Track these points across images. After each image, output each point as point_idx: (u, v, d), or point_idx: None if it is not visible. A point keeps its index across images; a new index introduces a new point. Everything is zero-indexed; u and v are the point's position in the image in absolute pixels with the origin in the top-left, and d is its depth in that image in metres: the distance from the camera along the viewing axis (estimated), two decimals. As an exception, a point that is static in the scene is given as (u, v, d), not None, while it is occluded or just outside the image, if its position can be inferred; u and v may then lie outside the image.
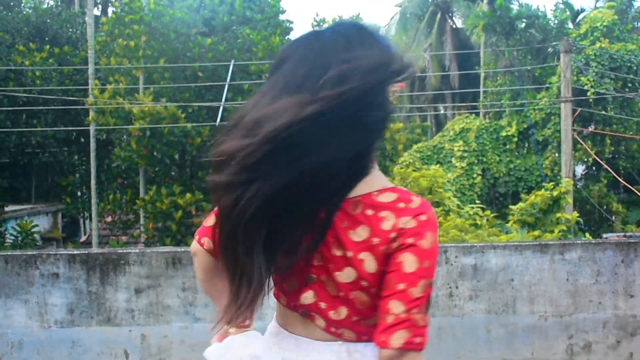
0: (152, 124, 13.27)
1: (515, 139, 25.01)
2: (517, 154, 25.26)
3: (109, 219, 16.21)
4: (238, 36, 15.14)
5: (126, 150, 13.80)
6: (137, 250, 5.54)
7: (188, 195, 13.00)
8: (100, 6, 26.99)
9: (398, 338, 1.60)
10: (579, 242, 5.93)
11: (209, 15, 15.13)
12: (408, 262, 1.61)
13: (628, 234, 16.35)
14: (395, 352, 1.61)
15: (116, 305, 5.42)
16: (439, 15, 33.74)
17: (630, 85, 23.15)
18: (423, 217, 1.63)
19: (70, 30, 19.51)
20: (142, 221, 14.49)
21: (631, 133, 23.67)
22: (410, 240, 1.61)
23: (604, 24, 24.01)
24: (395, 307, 1.61)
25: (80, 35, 19.13)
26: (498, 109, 26.51)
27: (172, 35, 14.16)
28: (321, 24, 15.72)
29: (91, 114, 14.72)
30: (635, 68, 23.09)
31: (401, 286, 1.61)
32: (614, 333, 5.77)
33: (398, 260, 1.62)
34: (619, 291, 5.78)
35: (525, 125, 24.78)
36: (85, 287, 5.41)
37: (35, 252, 5.52)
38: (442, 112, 37.25)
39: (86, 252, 5.54)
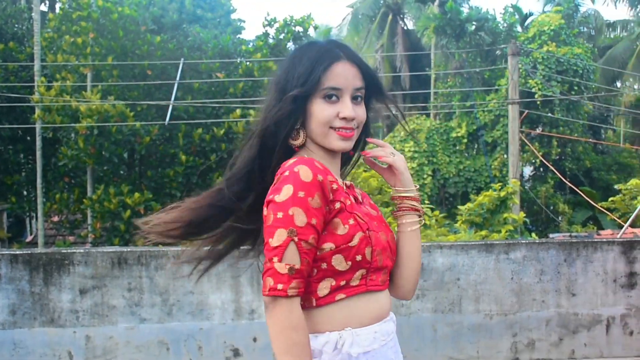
0: (100, 122, 13.09)
1: (465, 140, 25.30)
2: (466, 155, 25.56)
3: (55, 218, 15.93)
4: (188, 34, 15.02)
5: (73, 148, 13.56)
6: (82, 251, 5.46)
7: (137, 194, 12.84)
8: (47, 2, 26.51)
9: (265, 286, 1.79)
10: (524, 242, 6.03)
11: (158, 13, 14.97)
12: (267, 216, 1.82)
13: (573, 234, 16.68)
14: (267, 299, 1.79)
15: (60, 306, 5.34)
16: (390, 17, 33.97)
17: (576, 88, 23.62)
18: (286, 173, 1.83)
19: (16, 26, 19.10)
20: (89, 221, 14.27)
21: (577, 135, 24.16)
22: (270, 197, 1.84)
23: (551, 28, 24.46)
24: (264, 258, 1.83)
25: (26, 31, 18.74)
26: (448, 111, 26.80)
27: (120, 32, 13.98)
28: (272, 23, 15.68)
29: (37, 111, 14.45)
30: (581, 71, 23.57)
31: (266, 239, 1.81)
32: (556, 331, 5.89)
33: (264, 215, 1.85)
34: (562, 290, 5.89)
35: (474, 127, 25.09)
36: (28, 288, 5.31)
37: (-25, 252, 5.40)
38: (393, 112, 37.42)
39: (29, 252, 5.44)
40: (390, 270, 2.02)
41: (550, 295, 5.88)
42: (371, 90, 2.06)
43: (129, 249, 5.51)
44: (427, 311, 5.70)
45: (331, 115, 1.92)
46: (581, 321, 5.90)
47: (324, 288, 1.85)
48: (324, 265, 1.83)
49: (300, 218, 1.78)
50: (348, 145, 1.97)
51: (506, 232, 11.13)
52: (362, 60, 2.01)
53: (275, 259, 1.77)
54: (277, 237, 1.78)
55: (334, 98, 1.92)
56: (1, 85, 15.89)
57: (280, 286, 1.76)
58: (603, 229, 19.93)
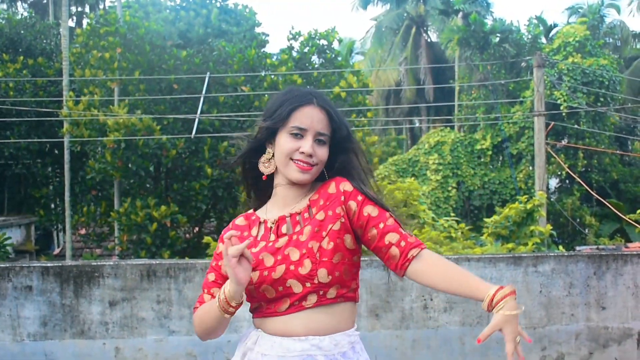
0: (127, 136, 13.21)
1: (490, 152, 25.20)
2: (491, 167, 25.43)
3: (82, 231, 16.08)
4: (214, 49, 15.14)
5: (101, 162, 13.71)
6: (112, 263, 5.51)
7: (163, 207, 12.93)
8: (74, 18, 26.86)
9: None
10: (552, 254, 5.99)
11: (184, 28, 15.12)
12: None
13: (601, 246, 16.50)
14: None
15: (90, 318, 5.38)
16: (414, 29, 33.97)
17: (602, 99, 23.44)
18: None
19: (45, 41, 19.38)
20: (116, 234, 14.38)
21: (603, 147, 23.95)
22: None
23: (576, 39, 24.31)
24: None
25: (55, 46, 19.01)
26: (473, 123, 26.71)
27: (147, 47, 14.12)
28: (297, 37, 15.76)
29: (65, 125, 14.63)
30: (607, 83, 23.38)
31: None
32: (586, 344, 5.83)
33: None
34: (591, 303, 5.84)
35: (499, 139, 24.98)
36: (58, 300, 5.36)
37: (8, 265, 5.46)
38: (417, 125, 37.47)
39: (60, 264, 5.49)
40: (305, 296, 2.20)
41: (580, 309, 5.82)
42: (340, 139, 2.32)
43: (157, 262, 5.55)
44: (454, 324, 5.68)
45: (292, 148, 2.24)
46: (611, 335, 5.85)
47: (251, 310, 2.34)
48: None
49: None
50: (305, 177, 2.25)
51: (533, 244, 11.05)
52: (334, 110, 2.30)
53: None
54: None
55: (298, 136, 2.24)
56: (30, 100, 16.11)
57: None
58: (631, 241, 19.71)
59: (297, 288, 2.18)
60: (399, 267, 2.21)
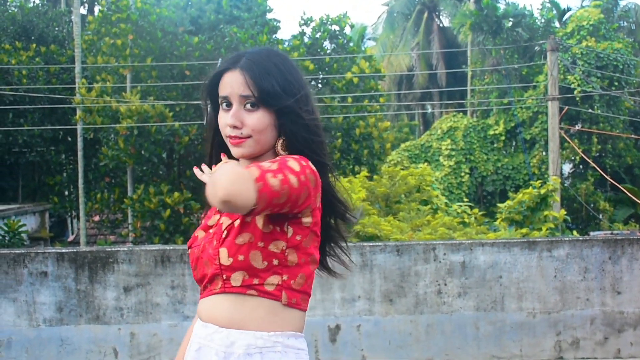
0: (140, 122, 13.25)
1: (503, 138, 25.09)
2: (504, 152, 25.33)
3: (96, 218, 16.16)
4: (225, 35, 15.13)
5: (114, 149, 13.76)
6: (126, 249, 5.53)
7: (176, 194, 12.97)
8: (86, 5, 26.84)
9: None
10: (567, 239, 5.96)
11: (196, 14, 15.10)
12: None
13: (615, 231, 16.41)
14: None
15: (105, 304, 5.41)
16: (425, 14, 33.79)
17: (616, 83, 23.25)
18: None
19: (57, 29, 19.40)
20: (130, 220, 14.46)
21: (618, 131, 23.78)
22: None
23: (590, 22, 24.10)
24: None
25: (67, 34, 19.04)
26: (485, 108, 26.58)
27: (159, 33, 14.13)
28: (308, 22, 15.71)
29: (78, 112, 14.68)
30: (621, 67, 23.18)
31: None
32: (601, 329, 5.81)
33: None
34: (607, 288, 5.81)
35: (512, 124, 24.85)
36: (74, 286, 5.39)
37: (23, 251, 5.50)
38: (429, 110, 37.33)
39: (74, 250, 5.52)
40: (213, 279, 1.91)
41: (595, 294, 5.80)
42: (271, 98, 1.90)
43: (171, 247, 5.56)
44: (469, 309, 5.67)
45: (223, 123, 1.93)
46: (627, 320, 5.82)
47: None
48: None
49: None
50: (241, 151, 1.91)
51: (547, 229, 11.01)
52: (257, 65, 1.90)
53: None
54: None
55: (228, 107, 1.91)
56: (43, 87, 16.16)
57: None
58: (645, 226, 19.62)
59: (208, 269, 1.91)
60: None
